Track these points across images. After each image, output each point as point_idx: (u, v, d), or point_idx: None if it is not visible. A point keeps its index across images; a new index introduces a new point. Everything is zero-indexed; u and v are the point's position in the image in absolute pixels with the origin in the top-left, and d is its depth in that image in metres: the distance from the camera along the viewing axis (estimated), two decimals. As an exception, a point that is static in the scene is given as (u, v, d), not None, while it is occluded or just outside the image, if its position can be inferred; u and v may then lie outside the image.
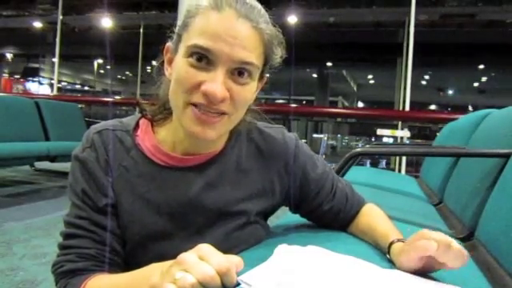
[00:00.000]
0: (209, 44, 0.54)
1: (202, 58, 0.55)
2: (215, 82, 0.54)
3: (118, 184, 0.63)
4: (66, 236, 0.62)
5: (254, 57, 0.56)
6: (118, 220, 0.63)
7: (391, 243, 0.60)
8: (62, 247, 0.62)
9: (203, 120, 0.56)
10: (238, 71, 0.56)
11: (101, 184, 0.62)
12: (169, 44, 0.63)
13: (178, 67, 0.57)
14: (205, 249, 0.43)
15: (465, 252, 0.48)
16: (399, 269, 0.53)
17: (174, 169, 0.64)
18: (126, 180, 0.63)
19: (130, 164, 0.63)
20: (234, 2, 0.56)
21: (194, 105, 0.56)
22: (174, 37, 0.61)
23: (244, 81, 0.57)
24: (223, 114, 0.57)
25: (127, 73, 19.00)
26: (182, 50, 0.57)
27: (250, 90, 0.59)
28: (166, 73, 0.63)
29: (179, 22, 0.60)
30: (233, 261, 0.42)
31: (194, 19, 0.57)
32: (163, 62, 0.64)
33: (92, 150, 0.63)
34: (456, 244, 0.47)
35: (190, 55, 0.55)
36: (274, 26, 0.61)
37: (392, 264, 0.58)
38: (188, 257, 0.41)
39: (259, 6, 0.60)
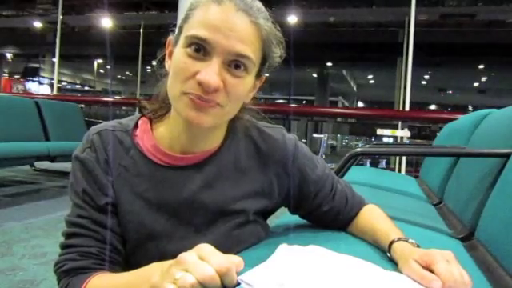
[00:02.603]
0: (206, 35, 0.55)
1: (200, 48, 0.56)
2: (209, 72, 0.54)
3: (117, 183, 0.63)
4: (68, 235, 0.62)
5: (250, 50, 0.57)
6: (118, 219, 0.63)
7: (391, 242, 0.60)
8: (63, 246, 0.62)
9: (198, 105, 0.56)
10: (234, 64, 0.57)
11: (101, 183, 0.62)
12: (171, 37, 0.64)
13: (176, 58, 0.58)
14: (205, 248, 0.43)
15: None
16: (400, 270, 0.53)
17: (173, 168, 0.64)
18: (125, 179, 0.63)
19: (129, 163, 0.64)
20: None
21: (190, 94, 0.56)
22: (176, 30, 0.62)
23: (239, 74, 0.57)
24: (217, 104, 0.57)
25: (127, 73, 19.01)
26: (181, 40, 0.58)
27: (245, 84, 0.59)
28: (166, 65, 0.64)
29: (179, 22, 0.61)
30: (233, 261, 0.42)
31: (194, 11, 0.58)
32: (165, 55, 0.65)
33: (92, 151, 0.64)
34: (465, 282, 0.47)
35: (188, 45, 0.56)
36: (274, 26, 0.62)
37: (392, 263, 0.58)
38: (188, 257, 0.41)
39: (259, 3, 0.61)
